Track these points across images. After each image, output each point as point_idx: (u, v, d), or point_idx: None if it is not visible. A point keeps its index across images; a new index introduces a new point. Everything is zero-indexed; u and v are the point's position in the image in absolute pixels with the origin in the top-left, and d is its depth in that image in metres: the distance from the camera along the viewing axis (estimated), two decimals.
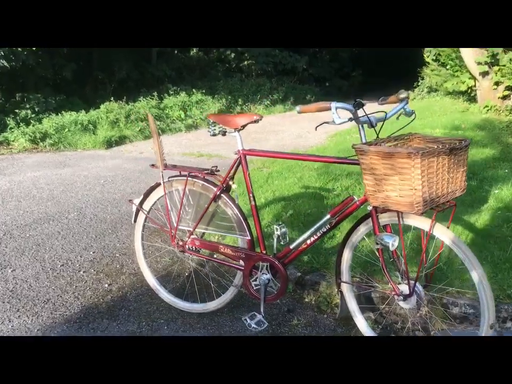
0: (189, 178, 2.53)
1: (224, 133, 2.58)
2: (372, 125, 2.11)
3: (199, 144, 8.14)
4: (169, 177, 2.65)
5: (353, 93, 19.85)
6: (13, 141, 7.89)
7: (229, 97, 12.05)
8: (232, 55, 13.83)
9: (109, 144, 8.08)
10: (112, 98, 9.69)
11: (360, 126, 2.11)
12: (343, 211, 2.20)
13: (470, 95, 12.41)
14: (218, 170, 2.57)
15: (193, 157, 7.02)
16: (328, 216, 2.25)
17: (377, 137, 2.10)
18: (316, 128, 2.17)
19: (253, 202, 2.46)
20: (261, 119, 2.41)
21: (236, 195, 2.54)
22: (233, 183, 2.54)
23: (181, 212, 2.60)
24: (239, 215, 2.45)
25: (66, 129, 8.13)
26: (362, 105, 2.00)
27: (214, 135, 2.59)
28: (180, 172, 2.63)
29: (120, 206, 4.64)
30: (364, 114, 2.06)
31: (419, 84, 17.05)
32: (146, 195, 2.74)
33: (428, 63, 14.56)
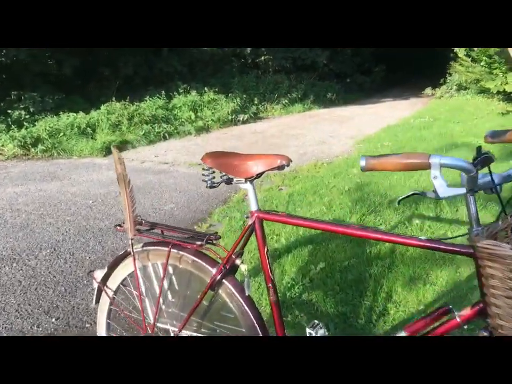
0: (172, 250, 1.60)
1: (229, 182, 1.65)
2: (495, 191, 1.15)
3: (209, 151, 7.19)
4: (144, 245, 1.72)
5: (375, 89, 18.75)
6: (1, 146, 7.07)
7: (244, 96, 11.08)
8: (248, 49, 12.81)
9: (108, 150, 7.19)
10: (114, 98, 8.81)
11: (470, 195, 1.13)
12: (432, 328, 1.25)
13: (508, 95, 11.26)
14: (219, 238, 1.62)
15: (201, 169, 6.07)
16: (403, 334, 1.30)
17: (505, 214, 1.14)
18: (399, 202, 1.22)
19: (273, 296, 1.52)
20: (288, 165, 1.47)
21: (246, 282, 1.58)
22: (243, 261, 1.59)
23: (160, 301, 1.67)
24: (251, 314, 1.51)
25: (61, 134, 7.27)
26: (491, 161, 1.03)
27: (212, 186, 1.67)
28: (162, 233, 1.70)
29: (105, 240, 3.73)
30: (484, 175, 1.11)
31: (447, 80, 15.87)
32: (112, 268, 1.80)
33: (460, 58, 13.39)
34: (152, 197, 4.81)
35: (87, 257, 3.42)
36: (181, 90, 10.12)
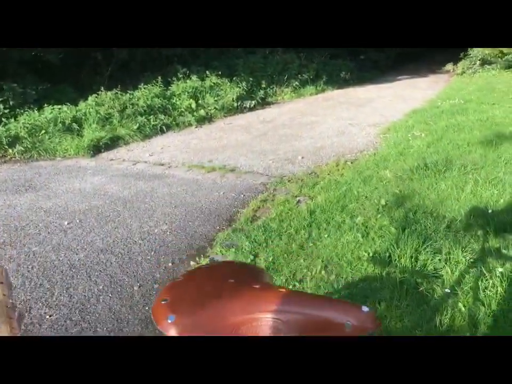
0: None
1: None
2: None
3: (212, 147, 6.26)
4: None
5: (390, 66, 17.55)
6: None
7: (250, 79, 10.02)
8: None
9: (97, 149, 6.28)
10: (106, 86, 7.84)
11: None
12: None
13: None
14: None
15: (203, 171, 5.14)
16: None
17: None
18: None
19: None
20: None
21: None
22: None
23: None
24: None
25: (43, 131, 6.34)
26: None
27: None
28: None
29: (75, 285, 2.86)
30: None
31: (467, 55, 14.64)
32: None
33: None
34: (141, 215, 3.91)
35: (46, 316, 2.54)
36: (180, 75, 9.10)
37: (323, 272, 2.65)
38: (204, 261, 3.02)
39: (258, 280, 0.98)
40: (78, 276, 2.98)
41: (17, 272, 3.04)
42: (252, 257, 2.94)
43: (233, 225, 3.55)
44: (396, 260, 2.63)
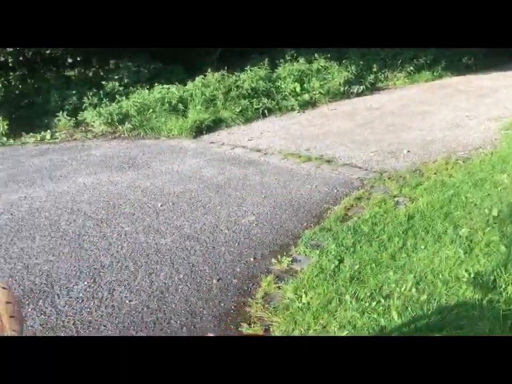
0: None
1: None
2: None
3: (312, 134, 6.05)
4: None
5: None
6: (92, 122, 6.63)
7: (361, 62, 9.54)
8: None
9: (199, 130, 6.39)
10: (214, 68, 7.94)
11: None
12: None
13: None
14: None
15: (298, 160, 4.97)
16: None
17: None
18: None
19: None
20: None
21: None
22: None
23: None
24: None
25: (151, 110, 6.60)
26: None
27: None
28: None
29: (157, 272, 2.89)
30: None
31: None
32: None
33: None
34: (231, 203, 3.87)
35: (126, 301, 2.59)
36: (288, 58, 8.93)
37: (413, 290, 2.38)
38: (284, 263, 2.87)
39: None
40: (162, 262, 3.01)
41: (107, 251, 3.16)
42: (336, 262, 2.74)
43: (321, 223, 3.36)
44: (501, 286, 2.26)
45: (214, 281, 2.79)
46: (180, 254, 3.10)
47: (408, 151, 5.05)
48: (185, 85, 7.51)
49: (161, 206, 3.91)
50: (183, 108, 6.76)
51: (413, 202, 3.51)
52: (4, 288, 0.79)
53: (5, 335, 0.80)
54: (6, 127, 6.32)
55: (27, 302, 2.59)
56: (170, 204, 3.95)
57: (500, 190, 3.52)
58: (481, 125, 6.07)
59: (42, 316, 2.47)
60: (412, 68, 10.18)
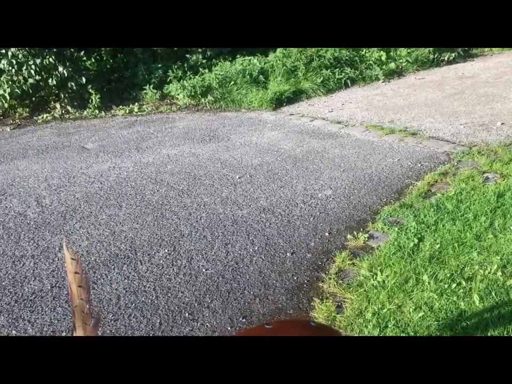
0: None
1: None
2: None
3: (397, 105, 5.78)
4: None
5: None
6: (178, 94, 6.83)
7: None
8: None
9: (279, 102, 6.35)
10: None
11: None
12: None
13: None
14: None
15: (380, 132, 4.79)
16: None
17: None
18: None
19: None
20: None
21: None
22: None
23: None
24: None
25: (232, 82, 6.65)
26: None
27: None
28: None
29: (233, 242, 2.95)
30: None
31: None
32: None
33: None
34: (307, 176, 3.83)
35: (203, 270, 2.69)
36: None
37: (499, 273, 2.22)
38: (361, 240, 2.81)
39: None
40: (238, 233, 3.07)
41: (187, 220, 3.28)
42: (416, 240, 2.63)
43: (402, 200, 3.22)
44: None
45: (288, 254, 2.80)
46: (255, 226, 3.14)
47: (503, 123, 4.66)
48: (267, 56, 7.47)
49: (239, 178, 3.97)
50: (264, 79, 6.74)
51: (504, 179, 3.26)
52: (72, 259, 0.83)
53: (74, 303, 0.85)
54: (98, 100, 6.71)
55: (112, 267, 2.78)
56: (248, 176, 3.99)
57: None
58: None
59: (126, 280, 2.64)
60: None
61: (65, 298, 2.51)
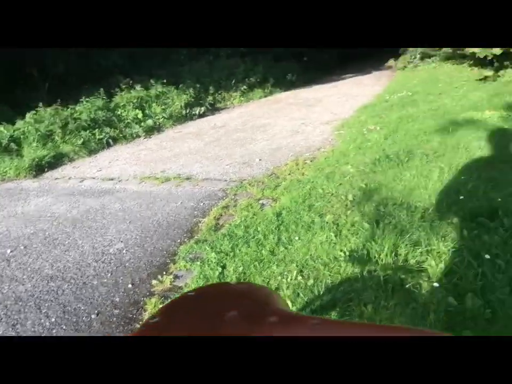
0: None
1: None
2: None
3: (164, 157, 5.97)
4: None
5: (333, 66, 17.73)
6: None
7: (197, 85, 9.77)
8: None
9: (39, 168, 5.84)
10: (44, 103, 7.36)
11: None
12: None
13: (478, 59, 10.44)
14: None
15: (156, 182, 4.85)
16: None
17: None
18: None
19: None
20: None
21: None
22: None
23: None
24: None
25: None
26: None
27: None
28: None
29: (20, 326, 2.50)
30: None
31: (407, 49, 15.00)
32: None
33: None
34: (93, 234, 3.58)
35: None
36: (123, 86, 8.72)
37: (299, 277, 2.45)
38: (167, 281, 2.74)
39: (271, 308, 0.73)
40: (26, 310, 2.64)
41: None
42: (220, 269, 2.70)
43: (196, 237, 3.30)
44: (375, 256, 2.46)
45: (93, 316, 2.53)
46: (45, 298, 2.75)
47: (260, 159, 5.28)
48: (14, 124, 6.84)
49: (11, 252, 3.45)
50: (16, 147, 6.12)
51: (276, 201, 3.66)
52: None
53: None
54: None
55: None
56: (22, 247, 3.50)
57: (348, 178, 3.87)
58: (316, 129, 6.65)
59: None
60: (245, 87, 10.76)
61: None
